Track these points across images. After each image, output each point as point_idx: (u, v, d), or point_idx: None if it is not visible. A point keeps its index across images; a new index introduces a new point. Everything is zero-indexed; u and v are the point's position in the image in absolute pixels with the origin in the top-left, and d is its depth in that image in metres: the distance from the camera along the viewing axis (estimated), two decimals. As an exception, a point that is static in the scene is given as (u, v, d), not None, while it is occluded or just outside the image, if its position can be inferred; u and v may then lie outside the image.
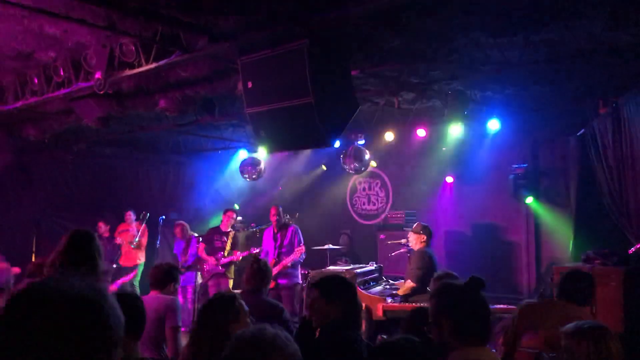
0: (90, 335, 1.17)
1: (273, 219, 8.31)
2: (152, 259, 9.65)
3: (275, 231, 8.27)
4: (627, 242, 6.22)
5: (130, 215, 10.05)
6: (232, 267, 8.80)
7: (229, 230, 8.95)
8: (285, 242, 8.16)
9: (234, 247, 8.86)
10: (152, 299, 4.25)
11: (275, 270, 7.90)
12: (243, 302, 3.19)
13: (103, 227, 9.91)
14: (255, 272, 4.65)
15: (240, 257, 8.66)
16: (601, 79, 6.58)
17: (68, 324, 1.14)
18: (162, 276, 4.45)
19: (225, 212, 9.18)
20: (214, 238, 8.94)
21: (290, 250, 8.08)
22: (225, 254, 8.69)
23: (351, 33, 5.11)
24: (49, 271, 3.35)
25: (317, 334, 3.34)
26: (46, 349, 1.12)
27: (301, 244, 8.13)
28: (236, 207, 12.34)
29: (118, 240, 9.86)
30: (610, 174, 6.43)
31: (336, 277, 3.61)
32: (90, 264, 3.30)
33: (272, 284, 7.84)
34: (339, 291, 3.40)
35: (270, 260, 8.09)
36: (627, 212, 6.13)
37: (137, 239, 9.75)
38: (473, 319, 2.42)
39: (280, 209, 8.40)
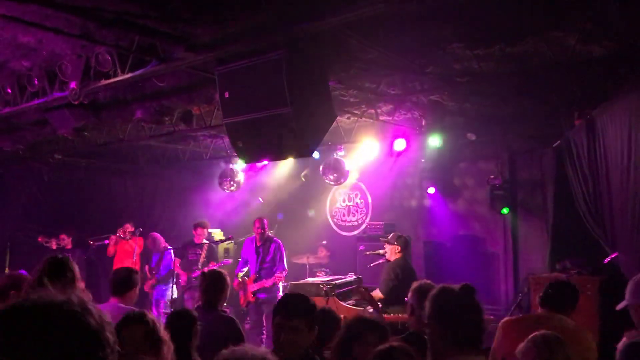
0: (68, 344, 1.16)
1: (257, 231, 8.16)
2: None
3: (258, 244, 8.16)
4: (603, 251, 6.27)
5: (128, 228, 9.91)
6: None
7: (203, 242, 8.83)
8: (268, 257, 8.06)
9: (209, 258, 8.74)
10: (112, 309, 3.90)
11: (254, 287, 7.84)
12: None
13: (66, 239, 9.79)
14: (208, 285, 4.50)
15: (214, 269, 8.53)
16: (576, 90, 6.67)
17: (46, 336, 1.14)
18: (122, 281, 4.28)
19: (195, 228, 9.04)
20: (188, 252, 8.83)
21: (272, 267, 8.00)
22: (200, 267, 8.56)
23: (329, 44, 5.12)
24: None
25: None
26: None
27: (283, 266, 8.05)
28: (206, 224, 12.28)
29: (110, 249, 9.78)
30: (586, 184, 6.49)
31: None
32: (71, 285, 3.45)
33: (252, 299, 7.80)
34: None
35: (253, 276, 8.02)
36: (602, 222, 6.18)
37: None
38: (468, 325, 2.40)
39: (265, 221, 8.25)
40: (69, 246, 9.85)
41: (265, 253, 8.05)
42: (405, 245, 6.68)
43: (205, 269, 8.47)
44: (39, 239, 9.49)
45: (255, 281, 7.91)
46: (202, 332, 3.62)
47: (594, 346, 3.52)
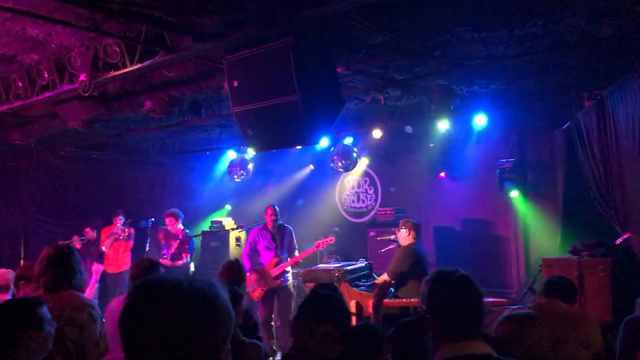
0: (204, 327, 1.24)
1: (270, 218, 8.06)
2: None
3: (273, 232, 8.10)
4: (614, 232, 6.26)
5: (120, 220, 9.86)
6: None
7: (178, 233, 8.78)
8: (285, 243, 8.11)
9: (182, 250, 8.66)
10: None
11: (277, 270, 7.78)
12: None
13: (90, 232, 9.80)
14: (234, 274, 4.62)
15: (181, 262, 8.52)
16: (586, 71, 6.62)
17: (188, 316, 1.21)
18: (144, 271, 4.18)
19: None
20: (163, 242, 8.88)
21: (286, 252, 8.05)
22: (169, 258, 8.57)
23: (336, 30, 5.11)
24: (36, 285, 3.46)
25: None
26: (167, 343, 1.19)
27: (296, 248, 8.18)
28: (227, 208, 12.34)
29: (102, 246, 9.72)
30: (596, 166, 6.47)
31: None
32: (74, 277, 3.45)
33: (279, 282, 7.78)
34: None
35: (273, 260, 7.90)
36: (614, 203, 6.17)
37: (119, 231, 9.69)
38: (464, 314, 2.29)
39: (277, 209, 8.17)
40: (94, 237, 9.85)
41: (282, 239, 8.08)
42: (415, 229, 6.68)
43: (183, 260, 8.56)
44: (59, 243, 9.41)
45: (277, 265, 7.84)
46: None
47: (598, 331, 3.54)
